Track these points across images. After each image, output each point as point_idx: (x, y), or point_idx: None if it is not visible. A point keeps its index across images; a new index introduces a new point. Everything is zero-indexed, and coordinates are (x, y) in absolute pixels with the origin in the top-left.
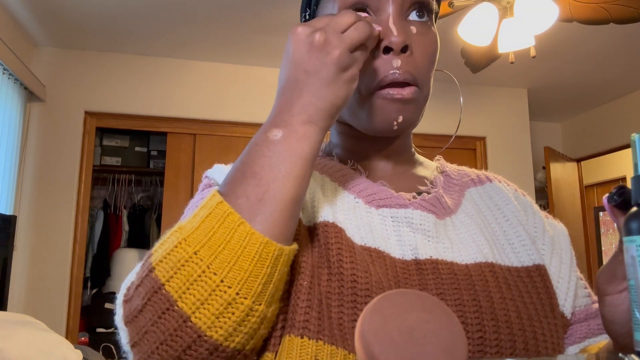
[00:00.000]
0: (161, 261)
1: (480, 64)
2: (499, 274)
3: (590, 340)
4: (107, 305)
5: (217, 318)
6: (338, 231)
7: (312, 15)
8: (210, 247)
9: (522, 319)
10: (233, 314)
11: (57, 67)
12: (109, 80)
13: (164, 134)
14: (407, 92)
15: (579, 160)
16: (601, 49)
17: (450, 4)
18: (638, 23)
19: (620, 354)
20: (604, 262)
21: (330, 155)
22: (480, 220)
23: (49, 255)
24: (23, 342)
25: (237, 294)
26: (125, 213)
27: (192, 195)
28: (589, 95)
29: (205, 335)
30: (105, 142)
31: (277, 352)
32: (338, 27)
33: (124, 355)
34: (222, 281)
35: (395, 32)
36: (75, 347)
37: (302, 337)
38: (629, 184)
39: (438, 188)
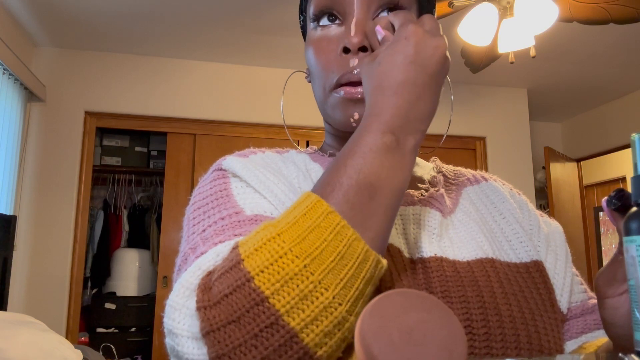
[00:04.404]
0: (262, 271)
1: (480, 64)
2: (500, 269)
3: (587, 335)
4: (107, 305)
5: (326, 336)
6: None
7: (306, 20)
8: (322, 261)
9: (524, 314)
10: (341, 331)
11: (57, 67)
12: (109, 80)
13: (164, 134)
14: (360, 90)
15: (579, 160)
16: (601, 49)
17: (450, 4)
18: (638, 23)
19: (620, 354)
20: (604, 263)
21: (333, 156)
22: (478, 218)
23: (49, 255)
24: (23, 342)
25: (347, 311)
26: (125, 213)
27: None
28: (589, 95)
29: (312, 352)
30: (105, 142)
31: None
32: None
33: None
34: (334, 298)
35: (352, 33)
36: (75, 347)
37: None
38: (629, 184)
39: (439, 187)
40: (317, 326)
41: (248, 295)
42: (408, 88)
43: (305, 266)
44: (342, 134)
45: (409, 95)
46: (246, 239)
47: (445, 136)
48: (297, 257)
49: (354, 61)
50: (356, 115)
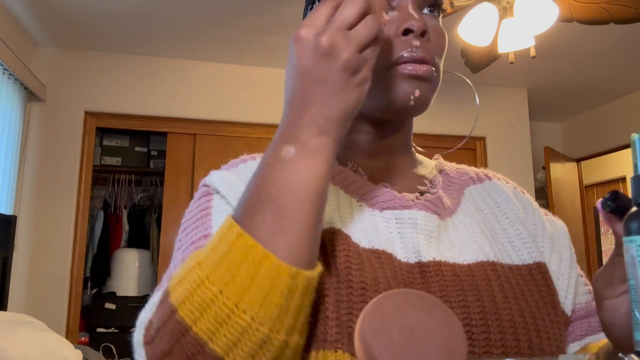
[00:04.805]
0: (184, 302)
1: (480, 64)
2: (501, 272)
3: (590, 337)
4: (107, 305)
5: (253, 357)
6: (344, 238)
7: None
8: (235, 284)
9: (525, 318)
10: (268, 350)
11: (57, 67)
12: (109, 80)
13: (164, 134)
14: (424, 68)
15: (578, 160)
16: (601, 49)
17: (450, 4)
18: (638, 23)
19: (620, 354)
20: (604, 263)
21: None
22: (480, 219)
23: (49, 255)
24: (23, 342)
25: (271, 330)
26: (125, 213)
27: (192, 196)
28: (589, 95)
29: None
30: (105, 142)
31: None
32: (343, 24)
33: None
34: (253, 319)
35: (416, 16)
36: (75, 347)
37: (323, 350)
38: (629, 184)
39: (438, 188)
40: (242, 349)
41: (175, 327)
42: (297, 97)
43: (220, 292)
44: (353, 134)
45: (299, 104)
46: (176, 271)
47: (468, 137)
48: (213, 284)
49: (416, 42)
50: (417, 93)
